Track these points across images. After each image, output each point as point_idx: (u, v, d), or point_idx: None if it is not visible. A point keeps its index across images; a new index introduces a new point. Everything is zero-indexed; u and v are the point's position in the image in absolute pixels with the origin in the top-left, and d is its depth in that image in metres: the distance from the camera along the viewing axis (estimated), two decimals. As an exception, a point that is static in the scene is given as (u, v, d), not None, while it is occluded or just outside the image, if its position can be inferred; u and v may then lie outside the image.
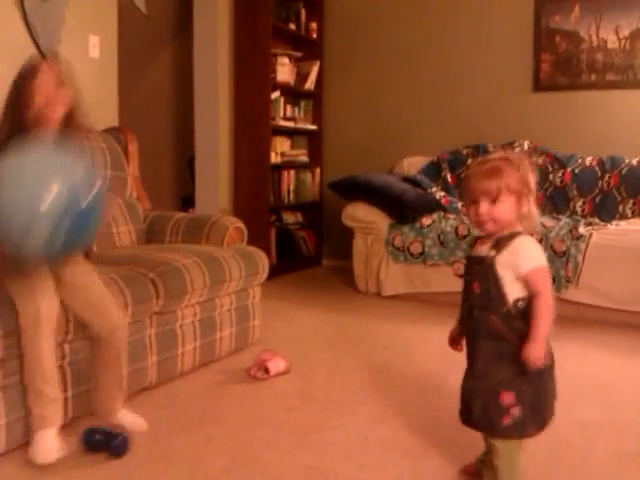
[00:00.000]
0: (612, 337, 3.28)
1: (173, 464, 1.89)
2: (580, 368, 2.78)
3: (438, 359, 2.78)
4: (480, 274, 1.66)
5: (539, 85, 4.62)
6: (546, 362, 1.61)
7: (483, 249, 1.67)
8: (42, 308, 1.86)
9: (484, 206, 1.62)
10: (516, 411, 1.61)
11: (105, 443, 1.93)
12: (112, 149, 3.13)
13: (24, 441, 1.94)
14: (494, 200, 1.62)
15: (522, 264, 1.61)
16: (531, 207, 1.65)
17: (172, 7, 5.57)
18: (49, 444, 1.86)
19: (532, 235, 1.70)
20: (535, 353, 1.57)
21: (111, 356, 2.05)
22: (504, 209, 1.63)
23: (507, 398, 1.61)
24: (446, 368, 2.61)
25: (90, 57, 3.46)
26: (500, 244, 1.64)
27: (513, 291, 1.62)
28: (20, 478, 1.81)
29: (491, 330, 1.63)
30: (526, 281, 1.61)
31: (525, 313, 1.62)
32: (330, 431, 2.13)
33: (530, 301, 1.62)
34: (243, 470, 1.86)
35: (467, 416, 1.70)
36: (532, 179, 1.65)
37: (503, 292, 1.62)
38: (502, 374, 1.63)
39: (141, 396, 2.38)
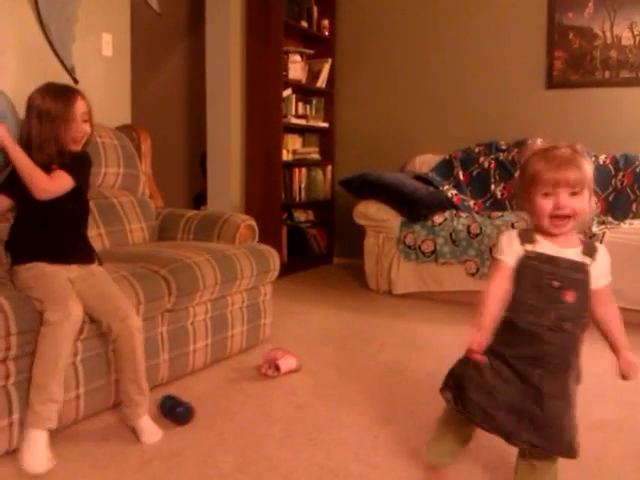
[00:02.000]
0: (626, 337, 3.25)
1: (184, 461, 1.90)
2: (594, 368, 2.75)
3: (449, 358, 2.76)
4: (577, 282, 1.50)
5: (552, 82, 4.59)
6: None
7: (570, 252, 1.50)
8: (72, 314, 1.91)
9: (566, 198, 1.45)
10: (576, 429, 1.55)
11: (172, 409, 2.15)
12: (125, 147, 3.14)
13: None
14: (575, 192, 1.46)
15: (604, 276, 1.52)
16: (593, 204, 1.52)
17: (184, 5, 5.59)
18: (40, 452, 1.84)
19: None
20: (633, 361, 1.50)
21: (124, 355, 2.05)
22: (584, 203, 1.47)
23: (574, 416, 1.54)
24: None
25: (103, 55, 3.47)
26: (591, 250, 1.51)
27: None
28: (30, 475, 1.83)
29: (578, 345, 1.52)
30: (600, 293, 1.52)
31: None
32: (340, 430, 2.13)
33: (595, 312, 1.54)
34: (254, 467, 1.87)
35: (538, 437, 1.51)
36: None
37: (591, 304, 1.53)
38: (575, 392, 1.54)
39: (153, 393, 2.38)
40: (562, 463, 1.90)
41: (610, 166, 4.19)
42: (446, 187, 4.42)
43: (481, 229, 3.81)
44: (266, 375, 2.61)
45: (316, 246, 5.22)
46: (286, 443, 2.03)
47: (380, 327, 3.42)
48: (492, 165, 4.49)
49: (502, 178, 4.45)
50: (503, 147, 4.53)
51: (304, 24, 4.99)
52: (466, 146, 4.66)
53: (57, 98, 2.10)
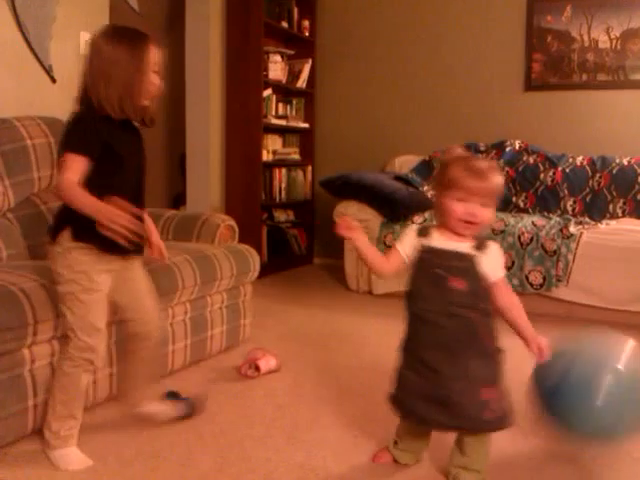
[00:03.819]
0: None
1: (163, 462, 1.89)
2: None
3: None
4: (463, 270, 1.63)
5: (530, 85, 4.64)
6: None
7: (459, 245, 1.64)
8: (100, 358, 1.89)
9: (477, 208, 1.60)
10: (496, 405, 1.64)
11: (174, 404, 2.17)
12: (103, 146, 3.11)
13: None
14: (485, 204, 1.61)
15: (497, 270, 1.65)
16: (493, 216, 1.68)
17: (164, 4, 5.55)
18: (77, 456, 1.88)
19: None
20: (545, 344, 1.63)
21: (143, 361, 2.05)
22: (490, 214, 1.63)
23: (488, 394, 1.63)
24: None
25: (81, 54, 3.44)
26: (482, 245, 1.65)
27: None
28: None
29: (474, 328, 1.63)
30: (497, 285, 1.66)
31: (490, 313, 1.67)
32: (320, 429, 2.13)
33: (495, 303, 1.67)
34: (234, 468, 1.86)
35: (449, 418, 1.64)
36: None
37: (488, 291, 1.65)
38: (484, 371, 1.64)
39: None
40: (540, 461, 1.93)
41: (587, 167, 4.24)
42: (426, 188, 4.44)
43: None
44: (246, 375, 2.60)
45: (296, 246, 5.22)
46: (266, 443, 2.02)
47: (360, 327, 3.43)
48: (471, 166, 4.52)
49: (481, 179, 4.48)
50: (482, 148, 4.56)
51: (284, 24, 4.98)
52: (445, 147, 4.67)
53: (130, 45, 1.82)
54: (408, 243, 1.71)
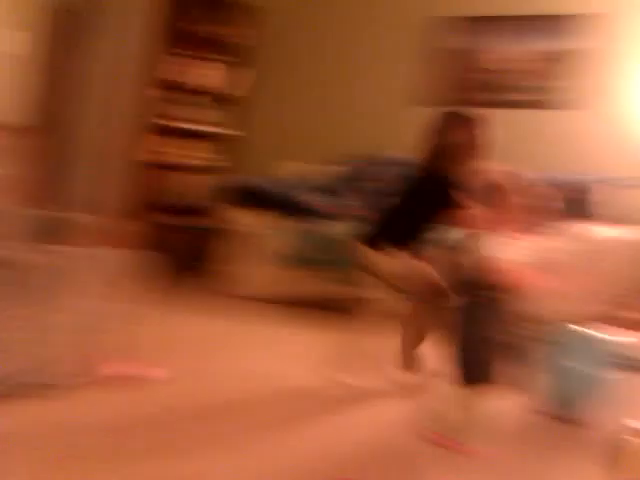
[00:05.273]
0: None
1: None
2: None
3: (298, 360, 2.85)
4: None
5: (429, 101, 4.56)
6: None
7: None
8: None
9: None
10: None
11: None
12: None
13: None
14: None
15: None
16: None
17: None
18: None
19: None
20: None
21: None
22: None
23: None
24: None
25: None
26: None
27: None
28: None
29: None
30: None
31: None
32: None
33: None
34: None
35: None
36: None
37: None
38: None
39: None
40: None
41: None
42: (312, 195, 4.40)
43: (343, 237, 3.72)
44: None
45: (183, 252, 5.01)
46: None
47: (236, 332, 3.44)
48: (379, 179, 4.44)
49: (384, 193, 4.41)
50: (392, 161, 4.44)
51: (223, 32, 4.99)
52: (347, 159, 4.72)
53: None
54: None
